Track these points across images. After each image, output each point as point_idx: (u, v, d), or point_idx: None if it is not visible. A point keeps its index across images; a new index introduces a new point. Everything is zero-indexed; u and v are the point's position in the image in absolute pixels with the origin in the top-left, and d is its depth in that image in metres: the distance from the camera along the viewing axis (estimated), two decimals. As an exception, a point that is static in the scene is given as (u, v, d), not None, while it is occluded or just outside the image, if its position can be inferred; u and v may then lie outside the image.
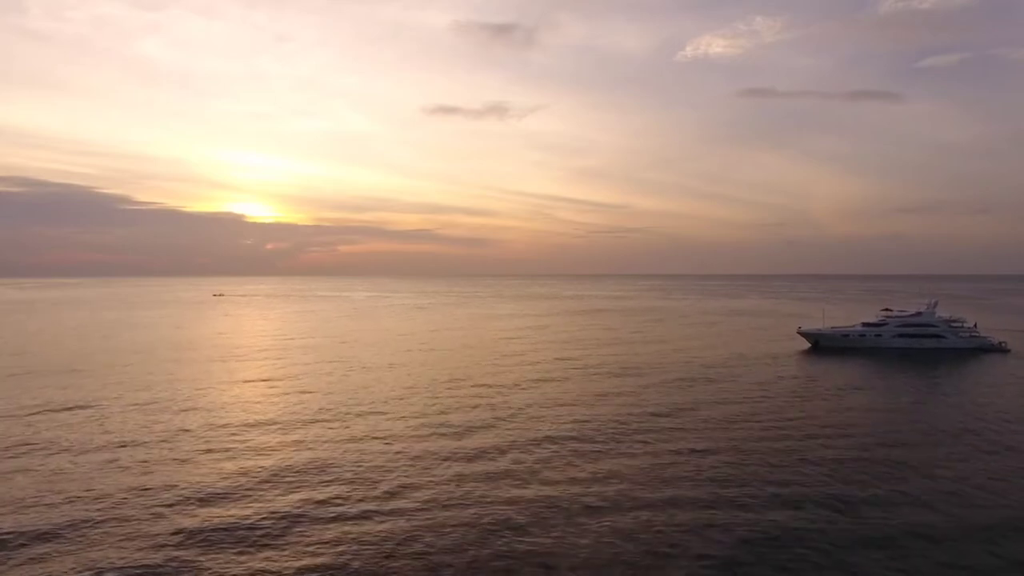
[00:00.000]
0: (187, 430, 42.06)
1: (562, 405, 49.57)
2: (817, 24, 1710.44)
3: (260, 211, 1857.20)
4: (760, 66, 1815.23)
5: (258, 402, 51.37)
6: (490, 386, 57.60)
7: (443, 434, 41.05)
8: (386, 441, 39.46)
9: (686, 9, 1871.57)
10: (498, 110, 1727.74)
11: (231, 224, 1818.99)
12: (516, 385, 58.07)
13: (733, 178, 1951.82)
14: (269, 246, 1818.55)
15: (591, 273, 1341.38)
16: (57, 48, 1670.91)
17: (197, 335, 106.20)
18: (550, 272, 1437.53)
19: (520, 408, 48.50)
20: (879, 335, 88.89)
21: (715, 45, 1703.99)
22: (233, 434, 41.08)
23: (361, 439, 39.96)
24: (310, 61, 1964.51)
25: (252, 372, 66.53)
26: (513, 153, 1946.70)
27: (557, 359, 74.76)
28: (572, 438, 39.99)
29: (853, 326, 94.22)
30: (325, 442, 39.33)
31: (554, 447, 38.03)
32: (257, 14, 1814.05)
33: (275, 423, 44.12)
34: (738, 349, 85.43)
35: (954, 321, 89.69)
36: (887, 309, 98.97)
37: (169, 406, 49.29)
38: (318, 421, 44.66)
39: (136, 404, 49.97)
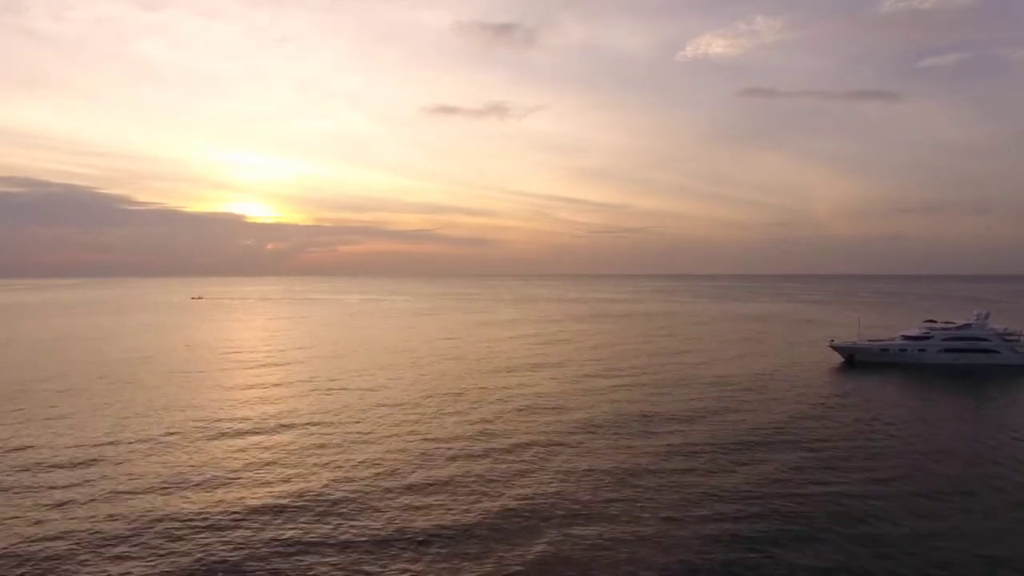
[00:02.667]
0: (74, 499, 32.17)
1: (610, 474, 39.35)
2: (817, 24, 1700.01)
3: (260, 211, 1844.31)
4: (761, 66, 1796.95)
5: (184, 462, 40.70)
6: (505, 436, 47.14)
7: (448, 544, 30.00)
8: (359, 546, 29.01)
9: (686, 9, 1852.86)
10: (499, 110, 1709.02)
11: (231, 224, 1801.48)
12: (551, 441, 45.87)
13: (734, 178, 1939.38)
14: (269, 246, 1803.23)
15: (591, 273, 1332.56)
16: (57, 48, 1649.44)
17: (148, 351, 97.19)
18: (550, 272, 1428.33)
19: (556, 472, 38.51)
20: (923, 349, 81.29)
21: (715, 45, 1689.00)
22: (141, 517, 31.29)
23: (320, 541, 28.99)
24: (311, 61, 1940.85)
25: (191, 413, 55.22)
26: (514, 153, 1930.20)
27: (582, 391, 65.05)
28: (625, 518, 30.39)
29: (892, 339, 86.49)
30: (263, 546, 28.73)
31: (602, 538, 28.55)
32: (258, 14, 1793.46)
33: (198, 513, 32.19)
34: (771, 370, 77.32)
35: (1009, 334, 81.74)
36: (930, 320, 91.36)
37: (55, 465, 39.47)
38: (267, 509, 32.55)
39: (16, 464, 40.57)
